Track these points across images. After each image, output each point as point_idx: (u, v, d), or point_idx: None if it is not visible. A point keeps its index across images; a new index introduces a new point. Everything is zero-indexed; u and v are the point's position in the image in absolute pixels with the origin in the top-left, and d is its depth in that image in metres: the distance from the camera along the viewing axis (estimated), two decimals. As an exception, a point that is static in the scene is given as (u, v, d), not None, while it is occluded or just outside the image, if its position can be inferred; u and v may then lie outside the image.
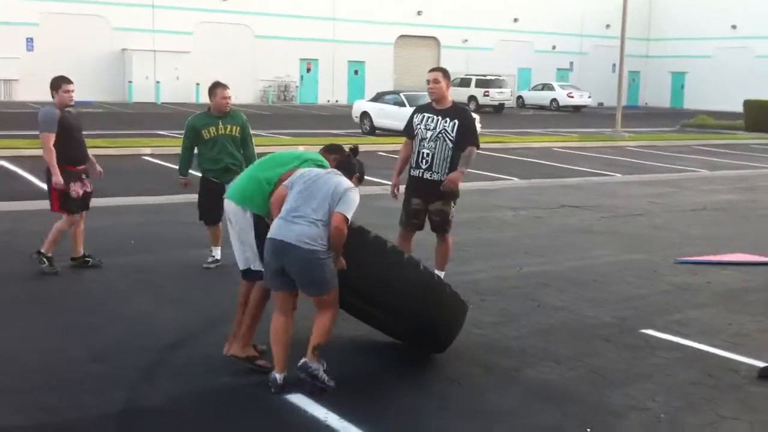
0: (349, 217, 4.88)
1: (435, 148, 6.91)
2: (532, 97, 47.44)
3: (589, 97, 45.85)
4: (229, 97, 7.83)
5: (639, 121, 36.11)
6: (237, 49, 42.01)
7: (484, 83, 41.65)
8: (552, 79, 49.85)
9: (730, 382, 5.32)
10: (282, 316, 5.06)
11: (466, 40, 49.67)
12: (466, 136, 6.97)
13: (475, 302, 6.66)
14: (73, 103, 7.69)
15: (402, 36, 47.84)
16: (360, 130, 25.77)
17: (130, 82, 39.45)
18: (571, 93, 45.41)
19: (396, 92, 28.11)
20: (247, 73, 42.40)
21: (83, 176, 7.74)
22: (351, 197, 4.91)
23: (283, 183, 5.07)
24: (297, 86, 44.78)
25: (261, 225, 5.18)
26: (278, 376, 4.93)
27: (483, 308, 6.76)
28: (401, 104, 25.43)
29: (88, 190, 7.82)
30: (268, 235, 4.92)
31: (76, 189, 7.59)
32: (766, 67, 48.73)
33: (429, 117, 6.99)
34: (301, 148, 5.77)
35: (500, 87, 41.85)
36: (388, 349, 5.84)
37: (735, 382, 5.32)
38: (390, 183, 7.63)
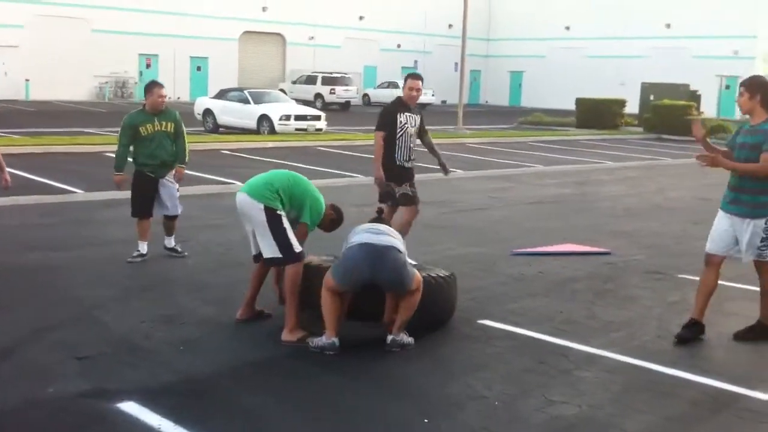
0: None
1: (414, 142, 8.36)
2: (378, 94, 47.96)
3: (433, 95, 46.87)
4: (165, 96, 8.31)
5: (480, 118, 37.36)
6: (71, 43, 40.08)
7: (330, 81, 41.79)
8: (398, 78, 50.45)
9: (560, 368, 5.55)
10: (336, 295, 5.63)
11: (312, 38, 49.67)
12: (424, 127, 8.61)
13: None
14: None
15: (246, 32, 47.24)
16: (203, 128, 25.20)
17: (-47, 78, 36.88)
18: (415, 91, 46.24)
19: (240, 89, 27.71)
20: (81, 68, 40.58)
21: None
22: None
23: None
24: (136, 82, 43.25)
25: (275, 219, 5.90)
26: (336, 339, 5.58)
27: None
28: (245, 101, 25.10)
29: None
30: (361, 241, 5.66)
31: None
32: (596, 67, 51.59)
33: (410, 116, 8.27)
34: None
35: (346, 85, 42.15)
36: (224, 349, 5.74)
37: (565, 368, 5.56)
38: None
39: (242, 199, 6.06)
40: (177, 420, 4.45)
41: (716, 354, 6.01)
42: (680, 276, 8.34)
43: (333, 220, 6.39)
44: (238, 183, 13.85)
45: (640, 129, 32.81)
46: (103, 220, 10.52)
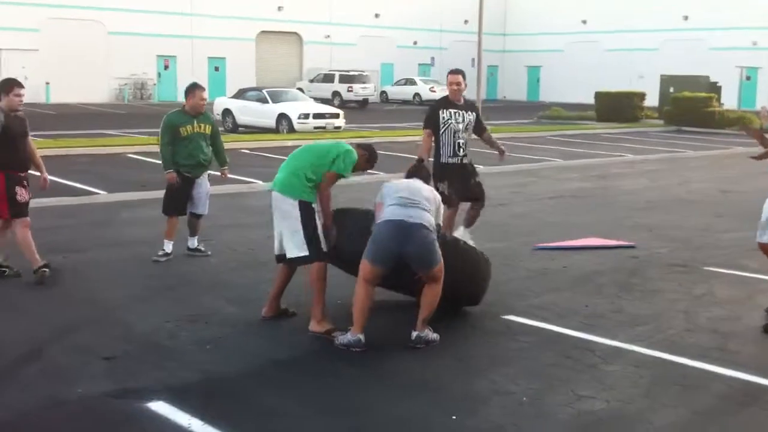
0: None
1: (466, 138, 8.36)
2: (396, 92, 47.98)
3: (450, 91, 46.72)
4: (206, 99, 8.45)
5: (498, 113, 37.17)
6: (89, 46, 40.31)
7: (347, 79, 41.77)
8: (414, 74, 50.61)
9: (586, 362, 5.51)
10: (369, 286, 5.67)
11: (328, 36, 49.67)
12: (482, 124, 8.65)
13: (333, 302, 6.58)
14: (20, 108, 7.45)
15: (263, 32, 47.32)
16: (222, 128, 25.25)
17: (-27, 82, 37.15)
18: (433, 87, 46.16)
19: (258, 89, 27.75)
20: (100, 71, 40.84)
21: (25, 182, 7.46)
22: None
23: (379, 201, 5.91)
24: (154, 84, 43.48)
25: (309, 214, 5.92)
26: (361, 336, 5.59)
27: (344, 306, 6.70)
28: (264, 101, 25.15)
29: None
30: (389, 218, 5.65)
31: (22, 193, 7.35)
32: (614, 60, 51.25)
33: (456, 112, 8.34)
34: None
35: (364, 82, 42.10)
36: (249, 349, 5.75)
37: (591, 362, 5.52)
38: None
39: (275, 196, 6.09)
40: (205, 419, 4.47)
41: (744, 347, 5.93)
42: (705, 269, 8.26)
43: (367, 159, 6.33)
44: (260, 182, 13.89)
45: (661, 122, 32.53)
46: (125, 221, 10.57)
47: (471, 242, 8.20)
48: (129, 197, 12.27)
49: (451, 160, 8.33)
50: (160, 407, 4.64)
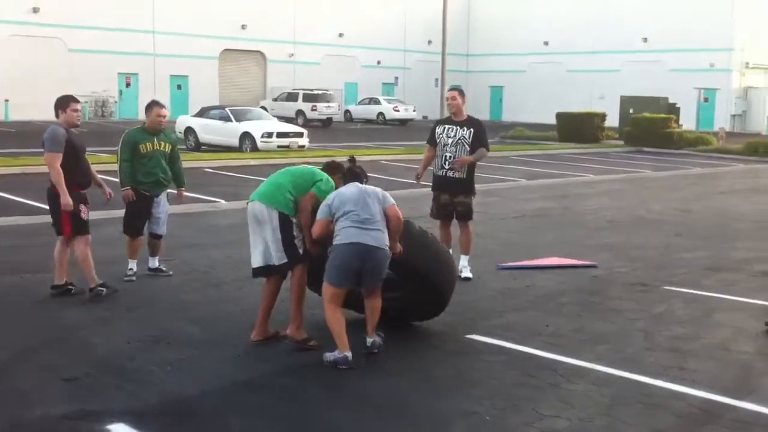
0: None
1: (455, 152, 8.46)
2: (360, 111, 48.09)
3: (414, 110, 47.03)
4: (165, 116, 8.31)
5: (461, 133, 37.36)
6: (49, 63, 39.81)
7: (311, 98, 41.79)
8: (378, 94, 50.80)
9: (549, 382, 5.54)
10: (339, 308, 5.84)
11: (292, 55, 49.72)
12: (480, 141, 8.54)
13: (306, 316, 6.56)
14: (79, 123, 7.43)
15: (226, 50, 47.20)
16: (185, 147, 25.09)
17: (-70, 100, 36.51)
18: (396, 107, 46.43)
19: (221, 107, 27.63)
20: (61, 88, 39.98)
21: (86, 199, 7.50)
22: (386, 192, 6.18)
23: (325, 219, 5.88)
24: (116, 101, 43.07)
25: (287, 225, 6.02)
26: (348, 354, 5.65)
27: (312, 321, 6.69)
28: (227, 119, 25.03)
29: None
30: (350, 240, 5.74)
31: (85, 210, 7.37)
32: (575, 81, 51.96)
33: (449, 128, 8.57)
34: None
35: (328, 101, 42.14)
36: (211, 369, 5.69)
37: (554, 381, 5.55)
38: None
39: (256, 207, 6.12)
40: (166, 442, 4.42)
41: (703, 365, 6.02)
42: (665, 288, 8.38)
43: (341, 177, 6.34)
44: (222, 201, 13.80)
45: (621, 142, 32.99)
46: (86, 241, 10.41)
47: (469, 272, 8.46)
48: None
49: (438, 173, 8.68)
50: (120, 430, 4.57)
